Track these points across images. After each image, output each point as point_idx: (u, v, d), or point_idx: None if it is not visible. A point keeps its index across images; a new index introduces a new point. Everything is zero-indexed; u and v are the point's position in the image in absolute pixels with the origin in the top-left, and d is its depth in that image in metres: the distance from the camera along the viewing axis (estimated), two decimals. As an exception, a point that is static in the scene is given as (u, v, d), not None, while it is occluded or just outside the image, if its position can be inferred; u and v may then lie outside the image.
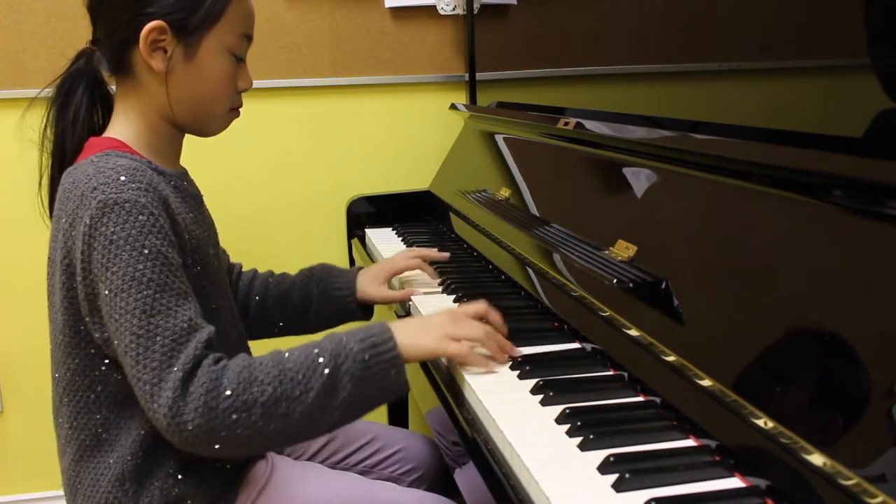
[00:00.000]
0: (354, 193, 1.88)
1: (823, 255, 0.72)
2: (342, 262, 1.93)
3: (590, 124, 1.20)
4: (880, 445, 0.57)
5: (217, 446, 0.83)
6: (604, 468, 0.69)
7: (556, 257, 1.12)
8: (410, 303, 1.21)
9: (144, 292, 0.84)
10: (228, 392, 0.82)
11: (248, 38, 1.02)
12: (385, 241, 1.68)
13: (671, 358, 0.80)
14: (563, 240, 1.15)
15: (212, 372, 0.83)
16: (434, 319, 0.94)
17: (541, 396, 0.85)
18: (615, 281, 0.94)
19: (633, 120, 1.12)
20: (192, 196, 1.03)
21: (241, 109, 1.05)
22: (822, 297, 0.70)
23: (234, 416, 0.82)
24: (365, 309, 1.27)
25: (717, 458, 0.71)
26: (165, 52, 0.94)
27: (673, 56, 1.11)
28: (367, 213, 1.86)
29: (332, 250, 1.99)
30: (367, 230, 1.82)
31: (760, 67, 0.93)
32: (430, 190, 1.88)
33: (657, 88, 1.17)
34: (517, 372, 0.91)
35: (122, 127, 0.98)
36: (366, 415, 0.90)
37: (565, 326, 1.05)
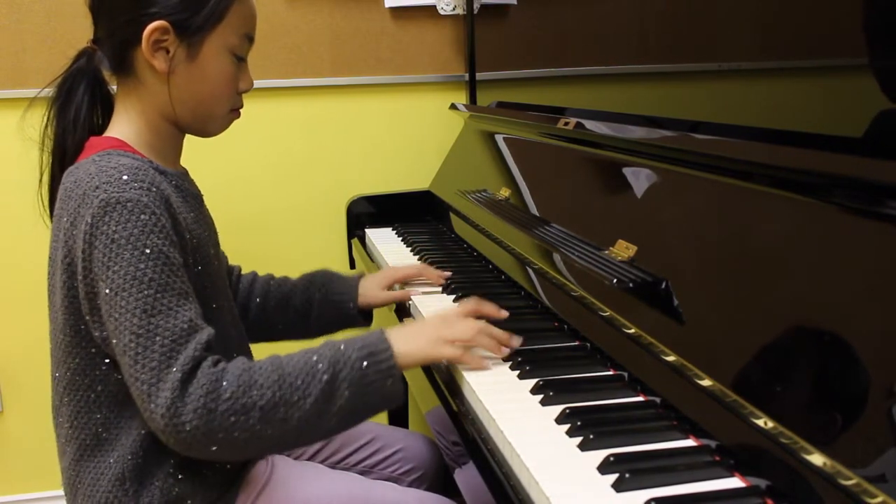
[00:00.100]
0: (354, 193, 1.88)
1: (823, 255, 0.72)
2: (342, 261, 1.93)
3: (590, 124, 1.20)
4: (880, 445, 0.57)
5: (214, 448, 0.83)
6: (604, 468, 0.69)
7: (556, 257, 1.12)
8: (410, 302, 1.21)
9: (145, 292, 0.84)
10: (228, 395, 0.82)
11: (250, 38, 1.02)
12: (385, 241, 1.68)
13: (671, 358, 0.80)
14: (563, 240, 1.15)
15: (211, 374, 0.83)
16: (427, 324, 0.96)
17: (541, 396, 0.85)
18: (615, 281, 0.94)
19: (633, 120, 1.12)
20: (193, 196, 1.03)
21: (241, 110, 1.05)
22: (822, 297, 0.70)
23: (233, 419, 0.82)
24: (365, 315, 1.27)
25: (717, 458, 0.71)
26: (168, 52, 0.94)
27: (673, 56, 1.11)
28: (367, 213, 1.86)
29: (332, 250, 1.99)
30: (367, 230, 1.82)
31: (760, 67, 0.93)
32: (430, 190, 1.88)
33: (657, 88, 1.17)
34: (517, 372, 0.91)
35: (124, 126, 0.98)
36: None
37: (565, 326, 1.06)
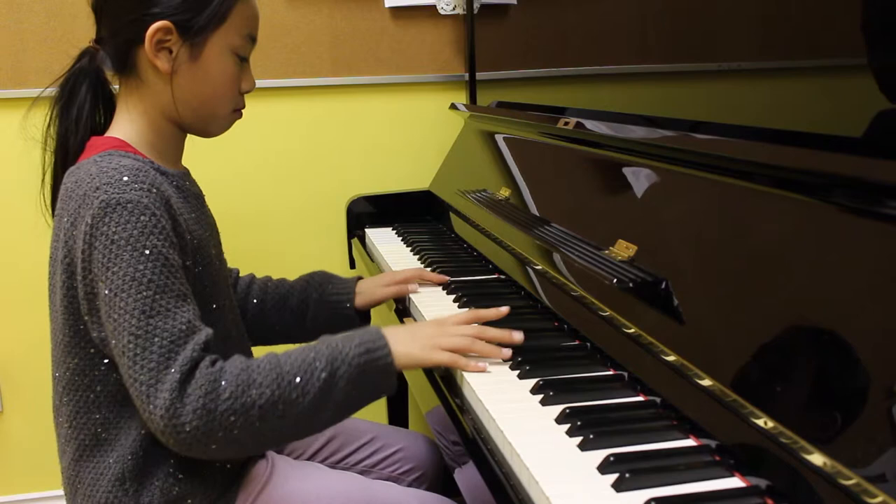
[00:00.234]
0: (354, 193, 1.88)
1: (823, 255, 0.72)
2: (342, 261, 1.93)
3: (590, 124, 1.20)
4: (880, 445, 0.57)
5: (213, 447, 0.84)
6: (604, 468, 0.69)
7: (556, 257, 1.12)
8: (409, 299, 1.21)
9: (144, 293, 0.84)
10: (227, 394, 0.83)
11: (253, 39, 1.02)
12: (385, 241, 1.68)
13: (671, 358, 0.80)
14: (563, 240, 1.15)
15: (210, 374, 0.83)
16: (423, 329, 0.96)
17: (541, 396, 0.85)
18: (615, 281, 0.94)
19: (633, 120, 1.12)
20: (195, 196, 1.03)
21: (242, 110, 1.05)
22: (822, 297, 0.70)
23: (232, 419, 0.82)
24: (363, 316, 1.27)
25: (717, 458, 0.71)
26: (170, 52, 0.95)
27: (673, 56, 1.11)
28: (367, 213, 1.86)
29: (332, 250, 1.99)
30: (367, 230, 1.82)
31: (760, 67, 0.93)
32: (430, 190, 1.88)
33: (657, 88, 1.17)
34: (517, 372, 0.91)
35: (125, 126, 0.98)
36: (360, 412, 0.92)
37: (565, 326, 1.06)
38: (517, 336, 0.96)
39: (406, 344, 0.92)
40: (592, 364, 0.93)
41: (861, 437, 0.59)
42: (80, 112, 0.99)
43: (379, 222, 1.85)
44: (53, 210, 1.00)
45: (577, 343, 1.00)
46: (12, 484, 1.97)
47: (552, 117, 1.35)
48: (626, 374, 0.90)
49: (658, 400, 0.83)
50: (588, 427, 0.76)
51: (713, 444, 0.73)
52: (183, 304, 0.86)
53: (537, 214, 1.32)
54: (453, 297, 1.22)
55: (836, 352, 0.66)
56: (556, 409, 0.81)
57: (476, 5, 1.86)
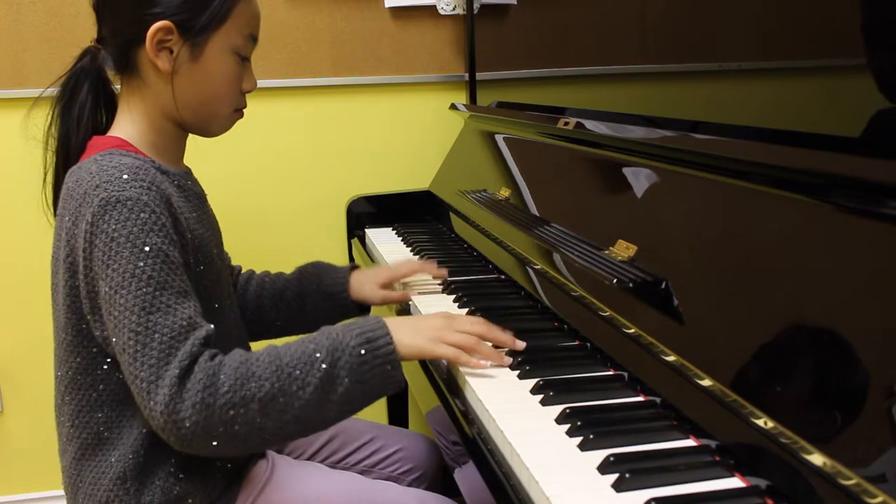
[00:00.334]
0: (354, 193, 1.88)
1: (823, 255, 0.72)
2: (342, 261, 1.91)
3: (590, 124, 1.20)
4: (880, 445, 0.57)
5: (214, 444, 0.83)
6: (604, 468, 0.69)
7: (556, 257, 1.12)
8: (410, 303, 1.20)
9: (144, 289, 0.84)
10: (226, 388, 0.82)
11: (254, 39, 1.02)
12: (385, 241, 1.68)
13: (671, 358, 0.80)
14: (563, 240, 1.15)
15: (208, 368, 0.83)
16: (429, 321, 0.94)
17: (541, 396, 0.85)
18: (615, 281, 0.94)
19: (633, 120, 1.12)
20: (196, 195, 1.03)
21: (243, 110, 1.05)
22: (822, 297, 0.70)
23: (231, 413, 0.82)
24: (361, 308, 1.26)
25: (717, 458, 0.71)
26: (171, 52, 0.95)
27: (673, 56, 1.11)
28: (367, 213, 1.86)
29: (332, 250, 1.99)
30: (367, 230, 1.82)
31: (760, 67, 0.93)
32: (430, 190, 1.88)
33: (657, 88, 1.17)
34: (517, 372, 0.91)
35: (126, 126, 0.98)
36: (364, 409, 0.90)
37: (565, 326, 1.06)
38: (520, 343, 0.95)
39: (410, 335, 0.91)
40: (592, 364, 0.93)
41: (861, 437, 0.59)
42: (81, 111, 0.99)
43: (379, 222, 1.85)
44: (55, 209, 1.00)
45: (577, 343, 1.00)
46: (12, 484, 1.97)
47: (552, 117, 1.35)
48: (626, 374, 0.90)
49: (658, 400, 0.83)
50: (588, 427, 0.76)
51: (713, 444, 0.73)
52: (184, 301, 0.86)
53: (537, 214, 1.32)
54: (454, 297, 1.21)
55: (835, 352, 0.66)
56: (556, 409, 0.81)
57: (476, 5, 1.86)
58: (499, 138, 1.64)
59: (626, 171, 1.10)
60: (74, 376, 0.93)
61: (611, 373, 0.91)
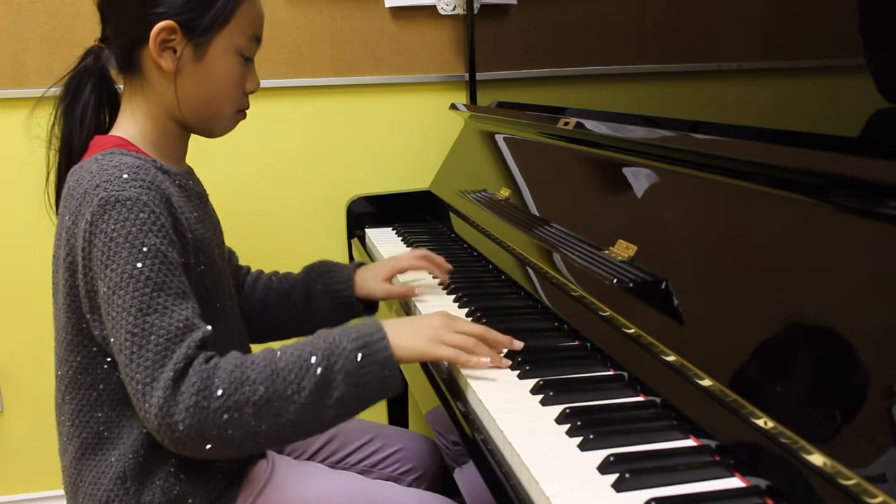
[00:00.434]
0: (354, 193, 1.88)
1: (823, 255, 0.72)
2: (342, 261, 1.92)
3: (590, 124, 1.20)
4: (880, 445, 0.57)
5: (208, 447, 0.83)
6: (604, 468, 0.69)
7: (556, 257, 1.12)
8: (413, 302, 1.20)
9: (142, 290, 0.84)
10: (220, 392, 0.82)
11: (258, 39, 1.02)
12: (385, 241, 1.68)
13: (671, 358, 0.80)
14: (563, 240, 1.15)
15: (203, 371, 0.83)
16: (428, 321, 0.94)
17: (541, 396, 0.85)
18: (615, 281, 0.94)
19: (633, 120, 1.12)
20: (197, 195, 1.03)
21: (246, 111, 1.05)
22: (822, 297, 0.70)
23: (226, 416, 0.82)
24: (368, 304, 1.26)
25: (717, 458, 0.71)
26: (175, 51, 0.95)
27: (673, 56, 1.11)
28: (367, 213, 1.86)
29: (332, 250, 1.99)
30: (367, 230, 1.82)
31: (760, 67, 0.93)
32: (430, 190, 1.88)
33: (657, 88, 1.17)
34: (517, 372, 0.91)
35: (129, 125, 0.98)
36: (361, 413, 0.90)
37: (565, 326, 1.06)
38: (518, 344, 0.95)
39: (408, 337, 0.90)
40: (592, 364, 0.93)
41: (861, 437, 0.59)
42: (84, 111, 0.99)
43: (379, 222, 1.85)
44: (58, 209, 1.00)
45: (577, 343, 1.00)
46: (12, 484, 1.97)
47: (552, 117, 1.35)
48: (626, 374, 0.90)
49: (658, 400, 0.83)
50: (588, 427, 0.76)
51: (713, 444, 0.73)
52: (182, 302, 0.86)
53: (537, 214, 1.32)
54: (453, 297, 1.21)
55: (835, 351, 0.66)
56: (556, 409, 0.81)
57: (476, 5, 1.86)
58: (499, 138, 1.64)
59: (626, 171, 1.10)
60: (74, 376, 0.93)
61: (611, 373, 0.91)
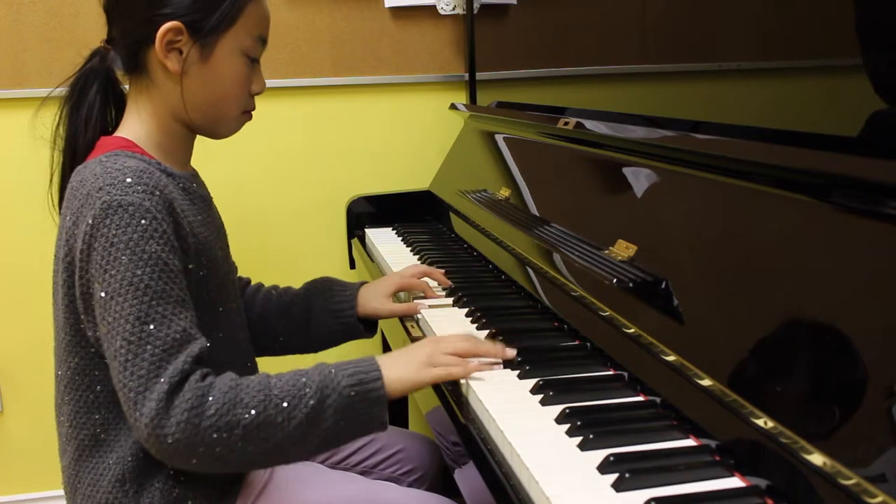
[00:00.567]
0: (354, 193, 1.88)
1: (823, 255, 0.72)
2: (342, 261, 1.93)
3: (590, 124, 1.20)
4: (880, 445, 0.57)
5: (194, 461, 0.84)
6: (604, 468, 0.69)
7: (556, 257, 1.12)
8: (419, 316, 1.17)
9: (140, 298, 0.84)
10: (212, 411, 0.82)
11: (263, 40, 1.02)
12: (385, 241, 1.68)
13: (671, 358, 0.80)
14: (563, 240, 1.15)
15: (198, 388, 0.83)
16: (418, 350, 0.94)
17: (541, 396, 0.85)
18: (615, 281, 0.94)
19: (633, 120, 1.12)
20: (202, 198, 1.03)
21: (252, 112, 1.05)
22: (822, 297, 0.70)
23: (215, 436, 0.82)
24: (367, 325, 1.24)
25: (717, 458, 0.71)
26: (181, 52, 0.94)
27: (673, 56, 1.11)
28: (367, 213, 1.86)
29: (332, 250, 1.99)
30: (367, 230, 1.82)
31: (760, 67, 0.93)
32: (430, 190, 1.88)
33: (657, 88, 1.17)
34: (517, 372, 0.91)
35: (134, 127, 0.98)
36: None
37: (565, 326, 1.05)
38: (510, 352, 0.95)
39: (400, 371, 0.91)
40: (592, 364, 0.93)
41: (861, 437, 0.59)
42: (89, 112, 0.99)
43: (379, 222, 1.85)
44: (61, 209, 1.00)
45: (577, 343, 1.00)
46: (12, 484, 1.97)
47: (552, 117, 1.35)
48: (626, 374, 0.90)
49: (658, 400, 0.83)
50: (588, 427, 0.76)
51: (713, 444, 0.73)
52: (180, 311, 0.86)
53: (537, 214, 1.32)
54: (454, 298, 1.21)
55: (835, 351, 0.66)
56: (556, 409, 0.81)
57: (476, 5, 1.86)
58: (499, 138, 1.64)
59: (626, 171, 1.10)
60: (73, 377, 0.93)
61: (611, 373, 0.91)
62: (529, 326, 1.07)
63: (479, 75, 1.90)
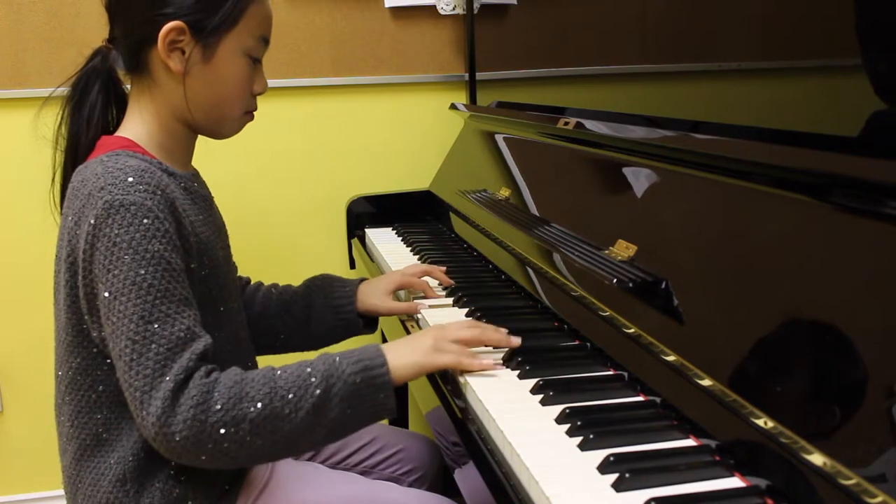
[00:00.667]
0: (354, 193, 1.88)
1: (823, 255, 0.72)
2: (342, 261, 1.93)
3: (590, 124, 1.20)
4: (880, 445, 0.57)
5: (203, 458, 0.84)
6: (604, 468, 0.69)
7: (556, 257, 1.12)
8: (419, 316, 1.17)
9: (144, 297, 0.84)
10: (218, 406, 0.82)
11: (266, 41, 1.02)
12: (385, 241, 1.68)
13: (671, 358, 0.80)
14: (563, 240, 1.15)
15: (203, 385, 0.83)
16: (422, 335, 0.95)
17: (541, 396, 0.85)
18: (615, 281, 0.94)
19: (633, 120, 1.12)
20: (203, 198, 1.03)
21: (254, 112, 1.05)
22: (822, 297, 0.70)
23: (223, 431, 0.82)
24: (368, 321, 1.24)
25: (717, 458, 0.71)
26: (183, 52, 0.94)
27: (673, 56, 1.11)
28: (367, 213, 1.86)
29: (332, 250, 1.99)
30: (367, 230, 1.82)
31: (760, 67, 0.93)
32: (430, 190, 1.88)
33: (657, 88, 1.17)
34: (517, 372, 0.91)
35: (136, 126, 0.98)
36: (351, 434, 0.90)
37: (565, 326, 1.06)
38: (515, 340, 0.95)
39: (406, 356, 0.91)
40: (592, 364, 0.93)
41: (861, 437, 0.59)
42: (91, 111, 0.99)
43: (379, 222, 1.85)
44: (62, 209, 1.00)
45: (577, 343, 1.00)
46: (12, 484, 1.97)
47: (552, 117, 1.35)
48: (626, 374, 0.90)
49: (658, 400, 0.83)
50: (588, 427, 0.76)
51: (713, 444, 0.73)
52: (184, 310, 0.86)
53: (537, 214, 1.32)
54: (453, 298, 1.21)
55: (835, 351, 0.66)
56: (556, 409, 0.81)
57: (476, 5, 1.86)
58: (499, 138, 1.64)
59: (626, 171, 1.10)
60: (74, 377, 0.93)
61: (611, 373, 0.91)
62: (529, 326, 1.07)
63: (479, 75, 1.90)
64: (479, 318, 1.09)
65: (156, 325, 0.83)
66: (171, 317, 0.85)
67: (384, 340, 1.79)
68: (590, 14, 1.35)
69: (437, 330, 0.95)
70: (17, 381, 1.92)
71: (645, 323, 0.87)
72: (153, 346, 0.83)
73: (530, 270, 1.20)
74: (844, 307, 0.67)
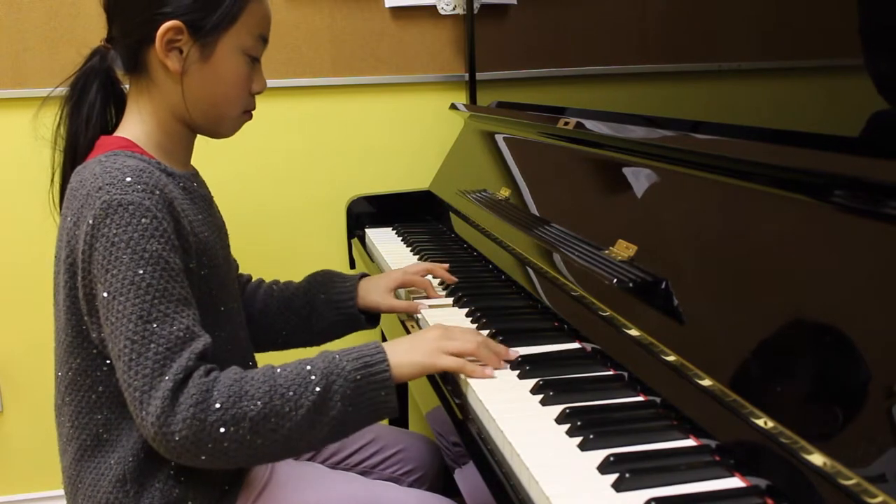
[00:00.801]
0: (354, 193, 1.88)
1: (823, 255, 0.72)
2: (342, 261, 1.93)
3: (590, 124, 1.20)
4: (880, 445, 0.57)
5: (203, 458, 0.83)
6: (604, 468, 0.69)
7: (556, 257, 1.12)
8: (419, 315, 1.16)
9: (143, 297, 0.84)
10: (218, 405, 0.82)
11: (265, 40, 1.02)
12: (385, 241, 1.68)
13: (671, 358, 0.80)
14: (563, 240, 1.15)
15: (202, 384, 0.83)
16: (426, 335, 0.94)
17: (541, 396, 0.85)
18: (615, 281, 0.94)
19: (634, 120, 1.12)
20: (202, 198, 1.03)
21: (252, 112, 1.05)
22: (822, 297, 0.70)
23: (222, 430, 0.82)
24: (370, 317, 1.24)
25: (717, 458, 0.71)
26: (181, 52, 0.94)
27: (673, 56, 1.11)
28: (367, 213, 1.86)
29: (331, 250, 1.99)
30: (367, 230, 1.82)
31: (760, 67, 0.93)
32: (430, 190, 1.88)
33: (657, 88, 1.17)
34: (517, 372, 0.91)
35: (134, 126, 0.98)
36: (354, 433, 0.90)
37: (565, 326, 1.05)
38: (514, 353, 0.95)
39: (407, 354, 0.90)
40: (592, 364, 0.93)
41: (861, 437, 0.59)
42: (90, 111, 0.99)
43: (379, 222, 1.85)
44: (61, 209, 1.00)
45: (577, 343, 1.00)
46: (12, 484, 1.97)
47: (552, 117, 1.35)
48: (626, 374, 0.90)
49: (658, 400, 0.83)
50: (588, 427, 0.76)
51: (713, 444, 0.73)
52: (183, 310, 0.86)
53: (537, 214, 1.32)
54: (453, 298, 1.21)
55: (835, 352, 0.66)
56: (556, 409, 0.81)
57: (476, 5, 1.86)
58: (499, 138, 1.64)
59: (626, 171, 1.10)
60: (74, 377, 0.93)
61: (611, 373, 0.91)
62: (529, 326, 1.07)
63: (479, 75, 1.90)
64: (479, 318, 1.09)
65: (155, 325, 0.83)
66: (170, 316, 0.84)
67: (384, 340, 1.80)
68: (590, 14, 1.35)
69: (441, 330, 0.95)
70: (17, 381, 1.92)
71: (645, 323, 0.87)
72: (152, 345, 0.83)
73: (530, 270, 1.20)
74: (845, 307, 0.67)
